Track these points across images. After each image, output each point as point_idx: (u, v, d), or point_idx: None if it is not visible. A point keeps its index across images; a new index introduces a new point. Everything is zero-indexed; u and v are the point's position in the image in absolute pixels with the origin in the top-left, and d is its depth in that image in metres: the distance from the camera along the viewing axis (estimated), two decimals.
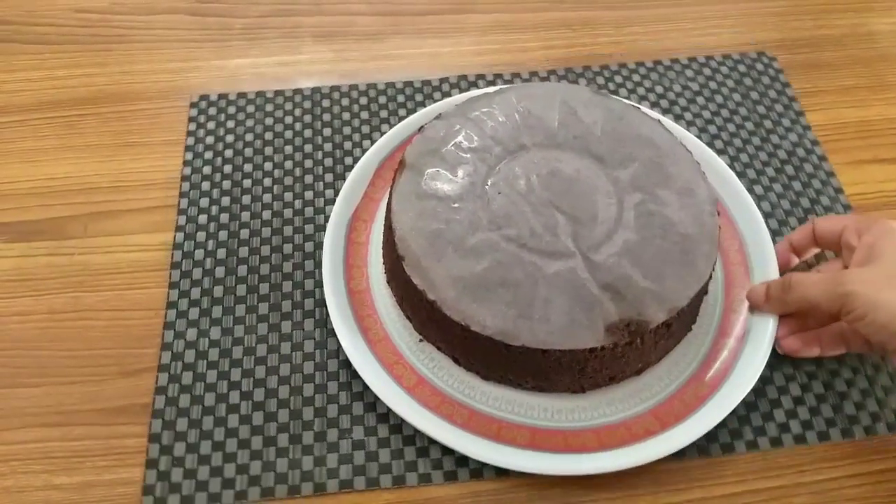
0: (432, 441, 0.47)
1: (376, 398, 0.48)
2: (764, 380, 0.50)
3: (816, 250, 0.54)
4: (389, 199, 0.50)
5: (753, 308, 0.51)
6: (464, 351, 0.48)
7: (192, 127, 0.62)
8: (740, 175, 0.60)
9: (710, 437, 0.48)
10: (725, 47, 0.69)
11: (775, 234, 0.57)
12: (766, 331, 0.50)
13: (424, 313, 0.48)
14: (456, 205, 0.49)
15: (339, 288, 0.51)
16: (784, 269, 0.52)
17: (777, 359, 0.51)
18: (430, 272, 0.47)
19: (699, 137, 0.62)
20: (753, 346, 0.49)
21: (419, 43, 0.68)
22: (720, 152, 0.62)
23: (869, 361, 0.51)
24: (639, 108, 0.55)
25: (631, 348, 0.46)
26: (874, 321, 0.42)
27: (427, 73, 0.66)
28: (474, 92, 0.59)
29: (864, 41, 0.70)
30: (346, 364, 0.49)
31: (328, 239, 0.53)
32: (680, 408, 0.48)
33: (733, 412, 0.48)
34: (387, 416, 0.48)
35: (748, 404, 0.49)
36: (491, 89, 0.57)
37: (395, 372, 0.49)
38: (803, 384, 0.50)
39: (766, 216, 0.58)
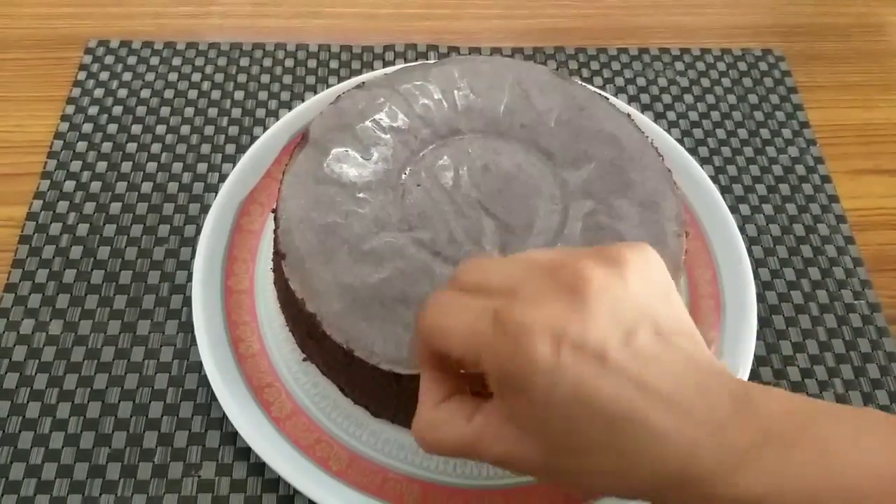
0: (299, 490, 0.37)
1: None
2: None
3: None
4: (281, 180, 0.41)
5: None
6: (348, 380, 0.39)
7: (82, 76, 0.52)
8: (724, 190, 0.50)
9: None
10: (712, 31, 0.60)
11: (759, 265, 0.47)
12: (738, 372, 0.40)
13: (304, 328, 0.38)
14: (361, 195, 0.39)
15: (213, 284, 0.42)
16: None
17: None
18: (313, 277, 0.37)
19: (680, 142, 0.52)
20: None
21: (352, 0, 0.58)
22: (704, 161, 0.52)
23: None
24: (606, 99, 0.45)
25: None
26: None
27: (360, 38, 0.56)
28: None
29: (872, 33, 0.61)
30: (208, 381, 0.39)
31: (210, 222, 0.43)
32: None
33: None
34: (248, 451, 0.38)
35: None
36: (432, 61, 0.47)
37: (265, 397, 0.39)
38: None
39: (751, 241, 0.48)
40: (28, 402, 0.39)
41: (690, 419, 0.25)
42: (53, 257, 0.44)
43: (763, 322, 0.45)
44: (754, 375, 0.43)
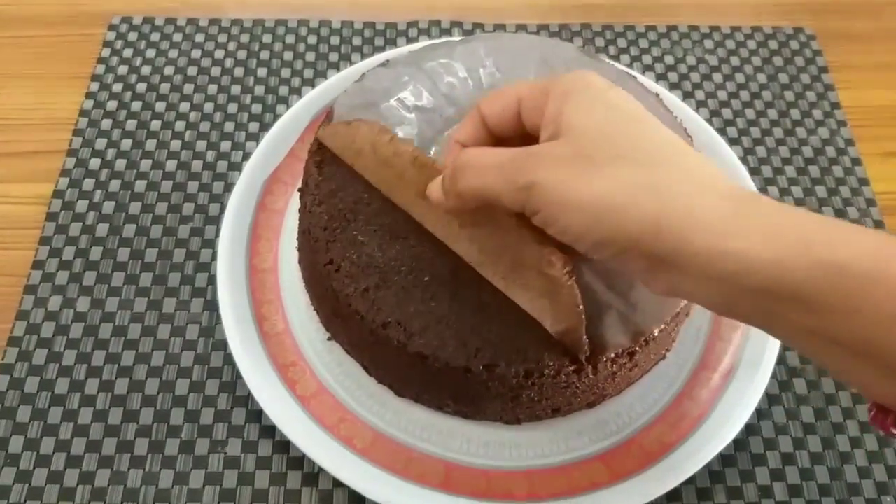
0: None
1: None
2: (749, 429, 0.40)
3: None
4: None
5: (436, 207, 0.35)
6: (373, 358, 0.39)
7: (106, 53, 0.52)
8: (753, 171, 0.50)
9: (673, 496, 0.38)
10: (743, 8, 0.59)
11: None
12: (760, 367, 0.40)
13: (330, 306, 0.39)
14: None
15: (238, 263, 0.42)
16: None
17: (768, 404, 0.41)
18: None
19: (709, 121, 0.51)
20: (741, 386, 0.40)
21: None
22: (733, 142, 0.51)
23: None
24: (634, 78, 0.45)
25: (579, 377, 0.36)
26: (568, 228, 0.28)
27: (383, 14, 0.55)
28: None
29: None
30: (233, 360, 0.40)
31: (234, 201, 0.43)
32: (639, 455, 0.38)
33: (705, 466, 0.38)
34: (273, 429, 0.39)
35: (725, 458, 0.40)
36: (457, 38, 0.47)
37: (290, 375, 0.39)
38: (797, 439, 0.40)
39: None
40: (57, 377, 0.40)
41: (700, 176, 0.28)
42: (80, 234, 0.44)
43: None
44: (780, 360, 0.42)
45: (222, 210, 0.45)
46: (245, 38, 0.54)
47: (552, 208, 0.28)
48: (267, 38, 0.54)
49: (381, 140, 0.38)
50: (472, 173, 0.31)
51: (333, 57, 0.53)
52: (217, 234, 0.44)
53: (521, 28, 0.56)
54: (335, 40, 0.54)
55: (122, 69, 0.52)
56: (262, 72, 0.52)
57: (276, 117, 0.49)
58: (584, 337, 0.34)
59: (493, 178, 0.30)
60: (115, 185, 0.46)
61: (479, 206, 0.32)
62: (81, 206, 0.46)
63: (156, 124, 0.49)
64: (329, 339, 0.41)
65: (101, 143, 0.48)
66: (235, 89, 0.51)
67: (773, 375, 0.41)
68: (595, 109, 0.29)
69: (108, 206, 0.46)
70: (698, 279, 0.27)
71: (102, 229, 0.45)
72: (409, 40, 0.54)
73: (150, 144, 0.48)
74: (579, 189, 0.27)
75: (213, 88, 0.51)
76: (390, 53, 0.48)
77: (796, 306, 0.25)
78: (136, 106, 0.50)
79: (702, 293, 0.28)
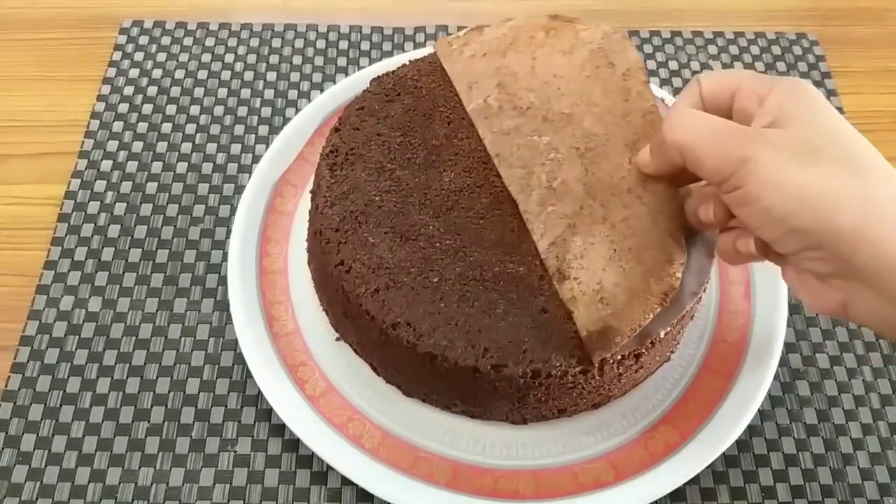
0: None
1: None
2: (752, 430, 0.41)
3: None
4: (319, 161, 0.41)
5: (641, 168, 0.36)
6: (382, 359, 0.39)
7: (117, 56, 0.53)
8: None
9: (677, 495, 0.39)
10: (746, 14, 0.59)
11: None
12: (763, 369, 0.40)
13: (340, 307, 0.39)
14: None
15: (248, 264, 0.42)
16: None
17: (771, 405, 0.42)
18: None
19: None
20: (745, 388, 0.40)
21: None
22: None
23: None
24: None
25: (586, 378, 0.36)
26: (770, 209, 0.29)
27: (391, 19, 0.56)
28: None
29: None
30: (243, 359, 0.40)
31: (245, 203, 0.44)
32: (643, 456, 0.39)
33: (709, 467, 0.38)
34: (282, 428, 0.39)
35: (728, 458, 0.40)
36: None
37: (300, 375, 0.40)
38: (800, 440, 0.41)
39: None
40: (69, 377, 0.41)
41: None
42: (92, 235, 0.45)
43: (793, 309, 0.45)
44: (783, 362, 0.43)
45: (232, 212, 0.46)
46: (255, 42, 0.54)
47: (759, 186, 0.29)
48: (276, 43, 0.54)
49: (640, 76, 0.39)
50: (685, 129, 0.32)
51: (342, 61, 0.54)
52: (227, 236, 0.45)
53: None
54: (344, 45, 0.55)
55: (133, 72, 0.52)
56: (271, 76, 0.53)
57: (285, 120, 0.50)
58: (616, 348, 0.34)
59: (704, 140, 0.31)
60: (126, 186, 0.47)
61: (665, 191, 0.35)
62: (93, 207, 0.46)
63: (166, 127, 0.50)
64: (338, 339, 0.41)
65: (112, 146, 0.49)
66: (245, 93, 0.52)
67: (776, 377, 0.42)
68: (822, 112, 0.31)
69: (120, 208, 0.46)
70: (883, 292, 0.28)
71: (114, 230, 0.45)
72: (417, 45, 0.55)
73: (161, 147, 0.49)
74: (795, 174, 0.29)
75: (222, 92, 0.52)
76: (403, 58, 0.49)
77: None
78: (147, 109, 0.51)
79: (878, 309, 0.29)
